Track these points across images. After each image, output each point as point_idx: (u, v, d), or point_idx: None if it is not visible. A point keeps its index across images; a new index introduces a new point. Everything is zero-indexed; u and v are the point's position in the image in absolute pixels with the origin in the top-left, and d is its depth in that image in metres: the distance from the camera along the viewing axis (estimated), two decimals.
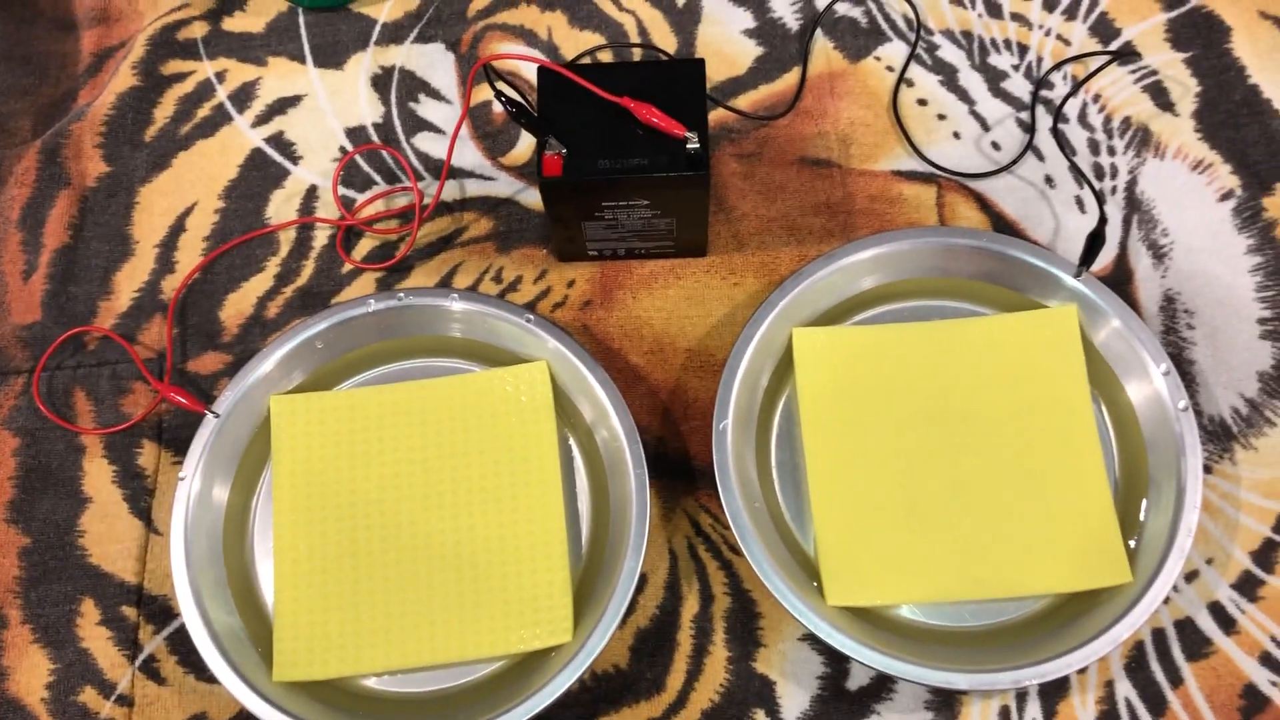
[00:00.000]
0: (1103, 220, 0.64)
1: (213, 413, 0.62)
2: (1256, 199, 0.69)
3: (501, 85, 0.69)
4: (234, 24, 0.77)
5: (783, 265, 0.69)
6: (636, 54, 0.75)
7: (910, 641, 0.60)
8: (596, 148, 0.61)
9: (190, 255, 0.70)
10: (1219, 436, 0.65)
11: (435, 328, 0.66)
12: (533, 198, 0.71)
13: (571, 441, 0.65)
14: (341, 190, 0.72)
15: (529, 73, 0.74)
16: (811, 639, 0.61)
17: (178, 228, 0.71)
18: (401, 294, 0.65)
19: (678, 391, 0.67)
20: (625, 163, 0.60)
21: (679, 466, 0.65)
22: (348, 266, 0.70)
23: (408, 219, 0.71)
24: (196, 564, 0.60)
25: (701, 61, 0.62)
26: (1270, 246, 0.68)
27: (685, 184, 0.61)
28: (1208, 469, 0.64)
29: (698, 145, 0.60)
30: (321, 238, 0.71)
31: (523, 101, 0.60)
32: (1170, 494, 0.60)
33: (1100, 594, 0.60)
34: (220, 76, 0.75)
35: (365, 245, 0.71)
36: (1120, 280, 0.68)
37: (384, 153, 0.73)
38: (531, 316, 0.64)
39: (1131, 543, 0.61)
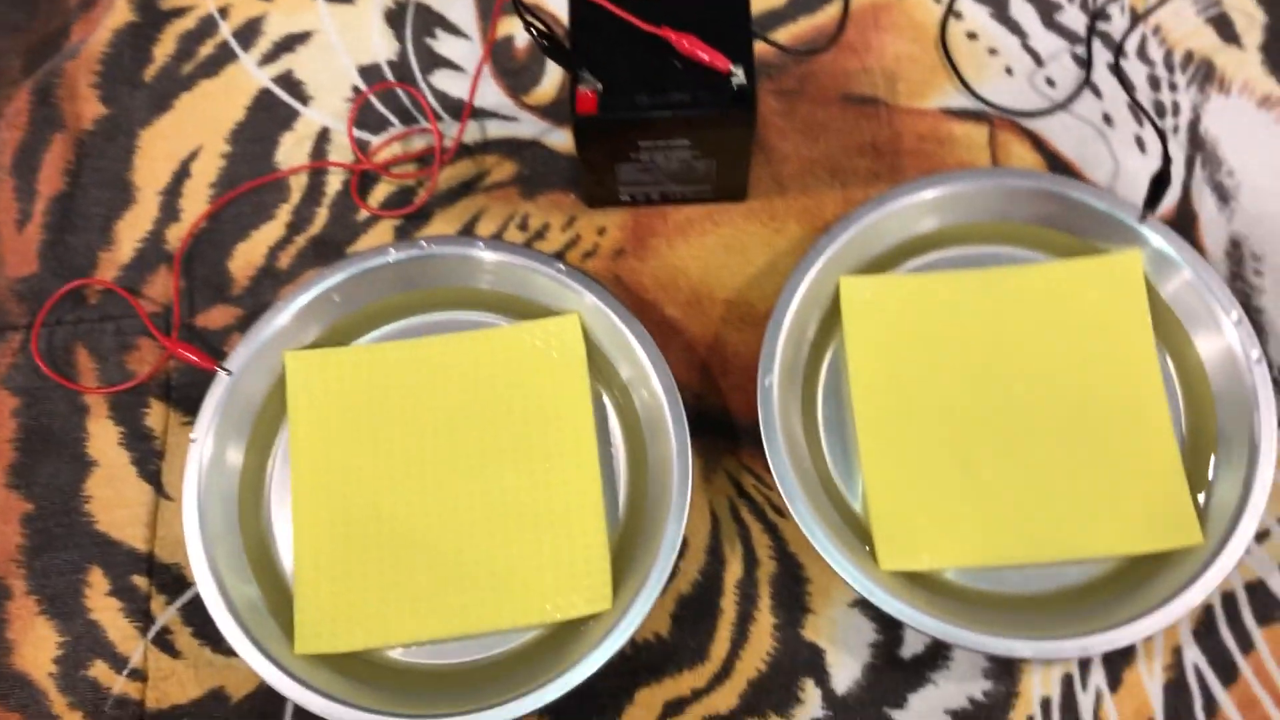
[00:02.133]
0: (1167, 161, 0.60)
1: (225, 370, 0.59)
2: None
3: (514, 28, 0.64)
4: None
5: (827, 210, 0.65)
6: None
7: (968, 607, 0.57)
8: (634, 82, 0.56)
9: (196, 203, 0.66)
10: None
11: (460, 278, 0.62)
12: (559, 139, 0.67)
13: (606, 399, 0.61)
14: (356, 133, 0.67)
15: (556, 4, 0.70)
16: (863, 605, 0.58)
17: (182, 173, 0.67)
18: (424, 242, 0.61)
19: (717, 345, 0.63)
20: (666, 99, 0.56)
21: (719, 424, 0.61)
22: (364, 214, 0.66)
23: (426, 163, 0.67)
24: (211, 530, 0.57)
25: None
26: None
27: (730, 122, 0.57)
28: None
29: (744, 80, 0.56)
30: (335, 183, 0.66)
31: (553, 32, 0.56)
32: (1243, 450, 0.57)
33: (1169, 556, 0.56)
34: (224, 12, 0.70)
35: (382, 191, 0.66)
36: (1184, 224, 0.64)
37: (400, 91, 0.68)
38: (563, 266, 0.60)
39: (1201, 500, 0.57)
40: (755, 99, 0.56)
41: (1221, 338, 0.58)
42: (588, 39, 0.57)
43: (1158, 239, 0.60)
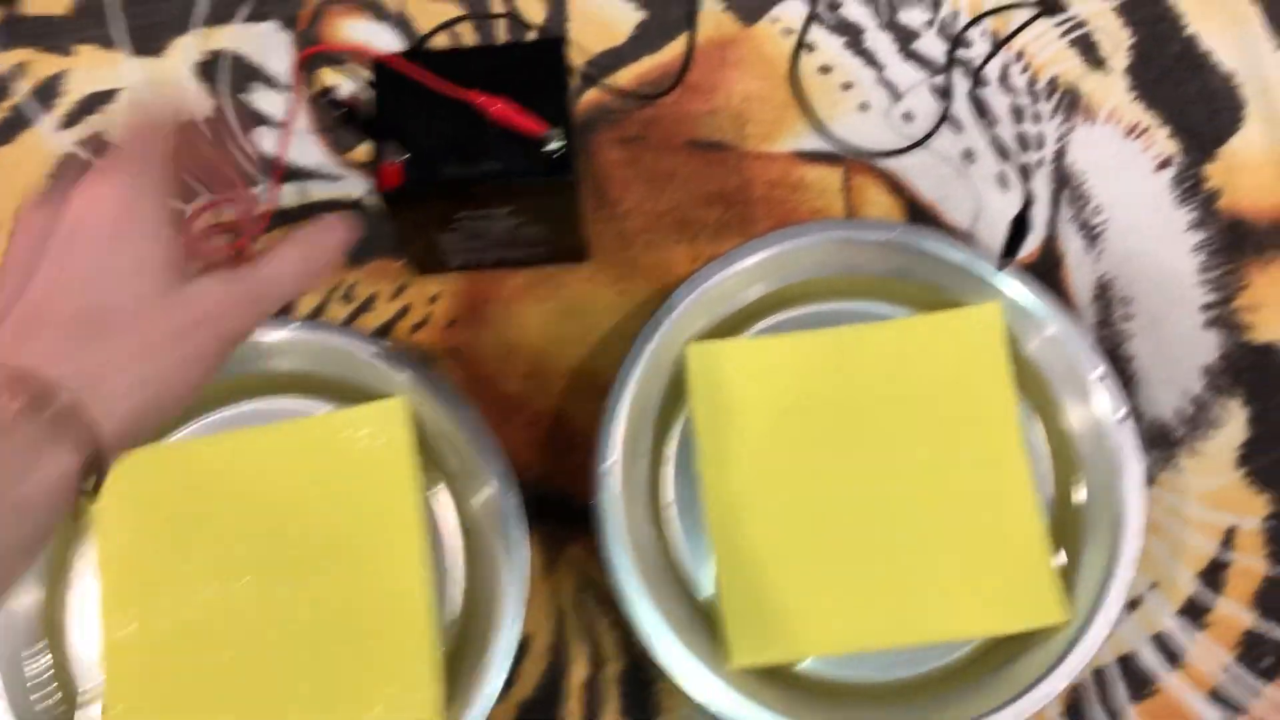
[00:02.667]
0: (1027, 203, 0.57)
1: None
2: (1197, 166, 0.62)
3: (336, 78, 0.60)
4: (33, 5, 0.66)
5: (676, 266, 0.61)
6: (502, 26, 0.65)
7: (827, 700, 0.53)
8: (443, 151, 0.52)
9: None
10: (1162, 442, 0.58)
11: (273, 363, 0.57)
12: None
13: (439, 490, 0.57)
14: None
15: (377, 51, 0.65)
16: None
17: None
18: None
19: (560, 421, 0.59)
20: (478, 168, 0.52)
21: (563, 509, 0.57)
22: None
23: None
24: None
25: (559, 41, 0.53)
26: (1213, 221, 0.61)
27: (549, 188, 0.53)
28: (1150, 481, 0.57)
29: (560, 144, 0.51)
30: None
31: (355, 100, 0.51)
32: (1109, 517, 0.54)
33: (1035, 634, 0.53)
34: (18, 71, 0.65)
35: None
36: (1049, 266, 0.61)
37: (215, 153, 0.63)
38: (382, 347, 0.56)
39: (1067, 572, 0.54)
40: (575, 164, 0.52)
41: (1085, 393, 0.55)
42: (396, 104, 0.52)
43: (1018, 290, 0.56)
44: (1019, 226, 0.56)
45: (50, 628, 0.55)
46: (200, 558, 0.55)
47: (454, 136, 0.52)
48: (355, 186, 0.63)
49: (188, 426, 0.58)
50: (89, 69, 0.65)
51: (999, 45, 0.64)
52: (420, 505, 0.55)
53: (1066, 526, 0.55)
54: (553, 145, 0.51)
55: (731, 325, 0.59)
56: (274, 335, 0.56)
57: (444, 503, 0.57)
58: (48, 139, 0.63)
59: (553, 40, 0.53)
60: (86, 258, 0.37)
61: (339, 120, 0.51)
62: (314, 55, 0.64)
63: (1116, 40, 0.64)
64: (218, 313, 0.38)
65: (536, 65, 0.53)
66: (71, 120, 0.64)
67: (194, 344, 0.38)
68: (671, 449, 0.58)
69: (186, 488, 0.56)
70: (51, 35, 0.65)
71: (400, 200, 0.52)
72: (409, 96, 0.52)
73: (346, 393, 0.58)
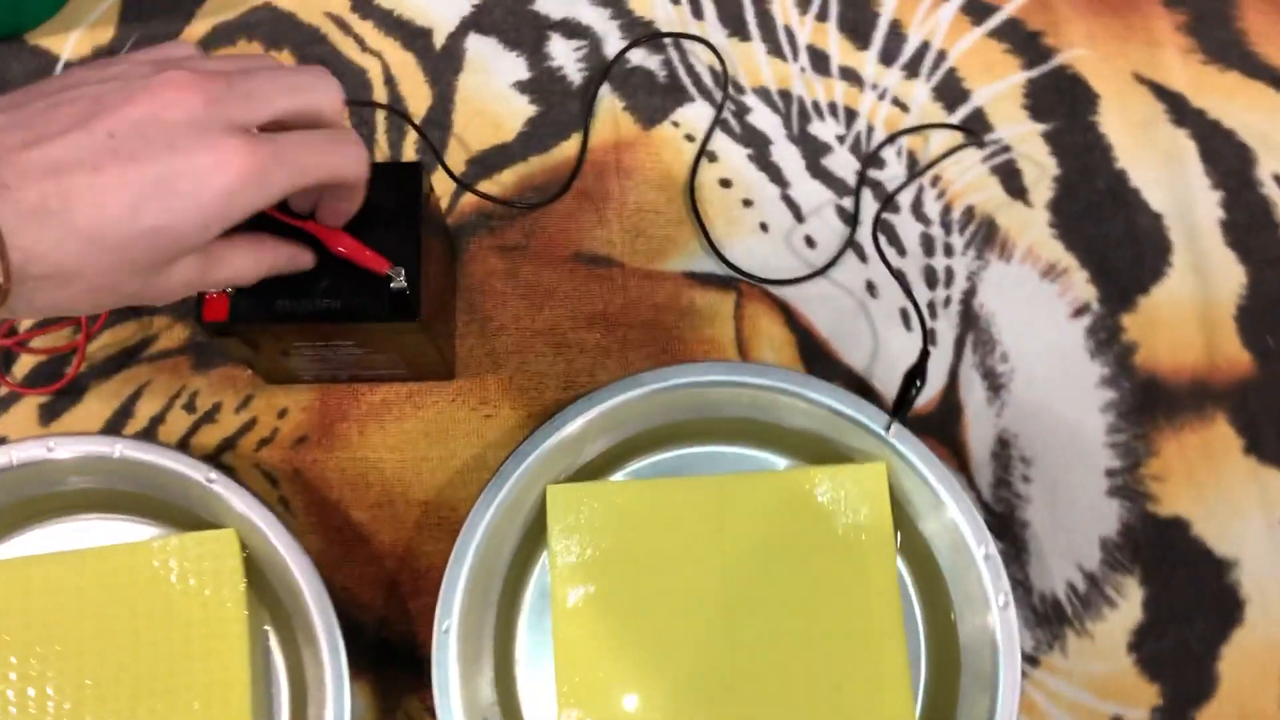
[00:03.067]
0: (924, 356, 0.52)
1: None
2: (1115, 315, 0.58)
3: None
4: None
5: (546, 392, 0.57)
6: (380, 116, 0.60)
7: None
8: (275, 284, 0.47)
9: None
10: (1050, 620, 0.54)
11: (100, 480, 0.53)
12: None
13: (270, 632, 0.53)
14: None
15: None
16: None
17: None
18: (50, 443, 0.51)
19: (409, 557, 0.54)
20: (312, 304, 0.47)
21: (405, 656, 0.53)
22: (3, 390, 0.56)
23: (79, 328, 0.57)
24: None
25: (418, 165, 0.49)
26: (1126, 378, 0.57)
27: (394, 330, 0.48)
28: (1034, 661, 0.54)
29: (404, 284, 0.47)
30: None
31: None
32: (984, 706, 0.50)
33: None
34: None
35: (28, 361, 0.57)
36: (946, 418, 0.57)
37: None
38: (215, 475, 0.51)
39: None
40: (419, 306, 0.47)
41: (970, 570, 0.51)
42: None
43: (908, 448, 0.52)
44: (911, 381, 0.52)
45: None
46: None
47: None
48: None
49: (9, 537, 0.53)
50: None
51: (916, 173, 0.60)
52: (246, 647, 0.51)
53: (942, 711, 0.52)
54: (398, 284, 0.47)
55: (601, 465, 0.55)
56: (97, 452, 0.51)
57: (272, 650, 0.52)
58: None
59: (412, 165, 0.49)
60: (147, 167, 0.36)
61: None
62: None
63: (1041, 169, 0.60)
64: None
65: (394, 189, 0.48)
66: None
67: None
68: (526, 598, 0.54)
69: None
70: None
71: (226, 334, 0.48)
72: (252, 223, 0.47)
73: (176, 517, 0.53)
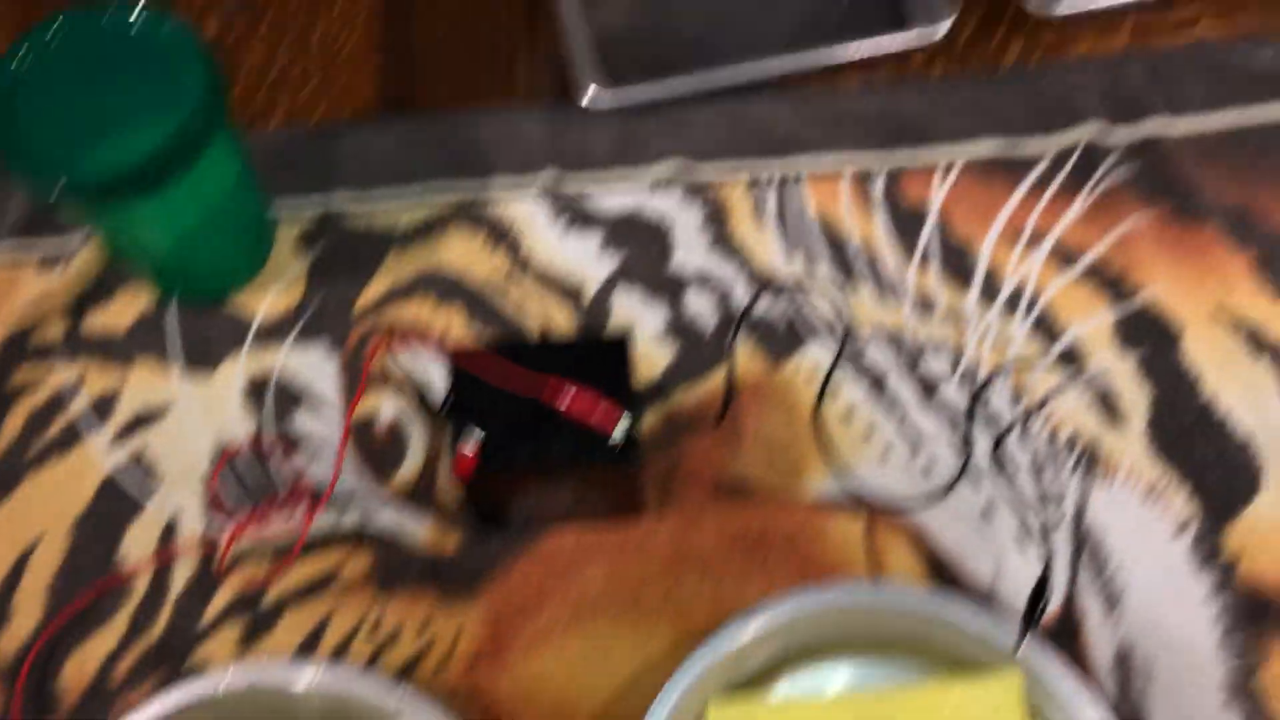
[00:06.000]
0: (1045, 573, 0.57)
1: None
2: (1216, 532, 0.63)
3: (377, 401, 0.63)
4: (96, 321, 0.70)
5: (697, 613, 0.62)
6: None
7: None
8: (515, 436, 0.57)
9: (33, 604, 0.63)
10: None
11: (286, 706, 0.58)
12: (419, 528, 0.64)
13: None
14: (206, 522, 0.64)
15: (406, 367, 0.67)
16: None
17: (19, 567, 0.63)
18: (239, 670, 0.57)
19: None
20: (548, 452, 0.57)
21: None
22: (207, 617, 0.62)
23: (281, 552, 0.63)
24: None
25: (625, 338, 0.59)
26: (1229, 591, 0.61)
27: (614, 470, 0.58)
28: None
29: (625, 431, 0.56)
30: (179, 580, 0.63)
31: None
32: None
33: None
34: (77, 385, 0.68)
35: (224, 592, 0.63)
36: (1067, 631, 0.61)
37: (249, 475, 0.65)
38: (403, 693, 0.57)
39: None
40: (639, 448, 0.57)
41: None
42: (468, 396, 0.58)
43: (1039, 663, 0.57)
44: (1035, 601, 0.57)
45: None
46: None
47: (522, 422, 0.57)
48: (389, 515, 0.64)
49: None
50: (141, 385, 0.68)
51: (1027, 416, 0.66)
52: None
53: None
54: (619, 433, 0.56)
55: (757, 678, 0.59)
56: (285, 678, 0.57)
57: None
58: (98, 453, 0.66)
59: (619, 339, 0.58)
60: None
61: (439, 411, 0.60)
62: (368, 370, 0.67)
63: (1135, 397, 0.66)
64: None
65: (604, 359, 0.58)
66: (122, 436, 0.66)
67: None
68: None
69: None
70: (110, 350, 0.68)
71: (475, 484, 0.57)
72: (481, 387, 0.57)
73: None
